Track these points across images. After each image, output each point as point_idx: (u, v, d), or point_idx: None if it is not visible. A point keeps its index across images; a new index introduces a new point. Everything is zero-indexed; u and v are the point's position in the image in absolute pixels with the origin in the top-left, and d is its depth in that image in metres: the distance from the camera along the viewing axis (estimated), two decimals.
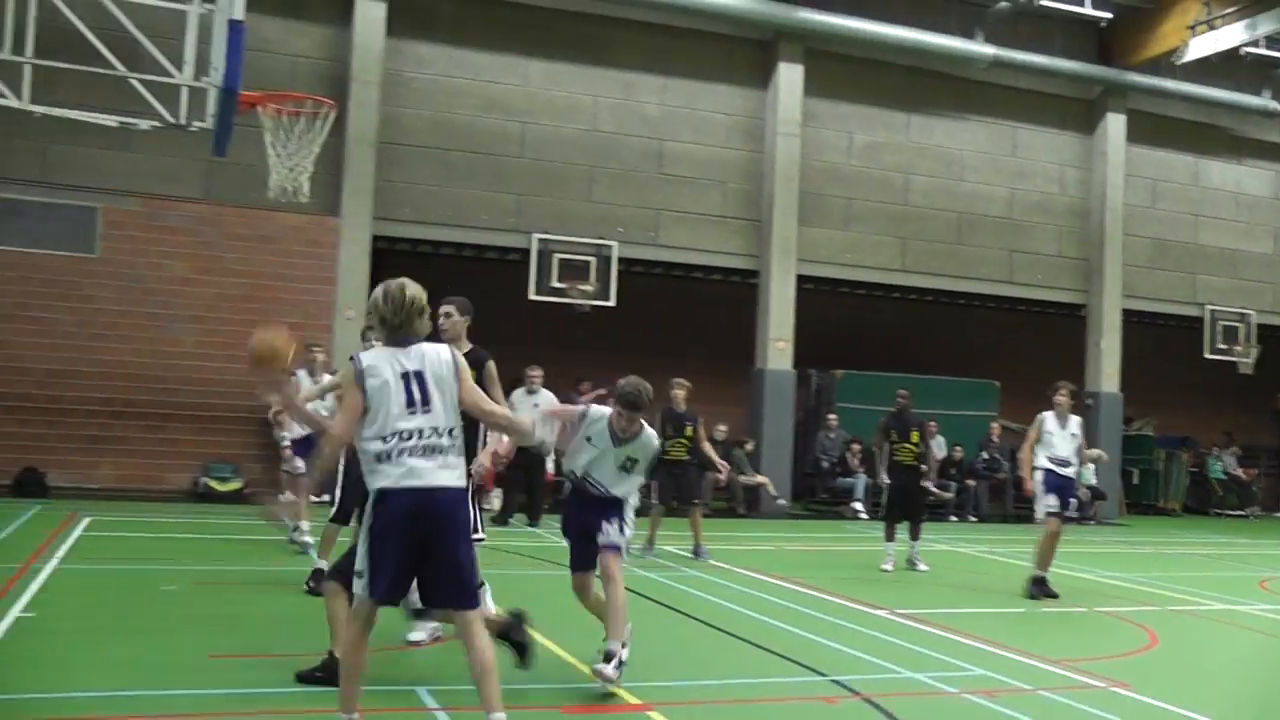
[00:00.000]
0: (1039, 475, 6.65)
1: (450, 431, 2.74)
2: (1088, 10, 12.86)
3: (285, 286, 10.24)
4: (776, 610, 5.80)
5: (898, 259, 12.61)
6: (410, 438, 2.69)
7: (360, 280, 10.36)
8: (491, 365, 3.97)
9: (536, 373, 9.27)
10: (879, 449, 7.97)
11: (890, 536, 7.65)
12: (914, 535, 7.79)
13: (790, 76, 11.93)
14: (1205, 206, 14.52)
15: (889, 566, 7.56)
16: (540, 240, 10.99)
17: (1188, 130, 14.30)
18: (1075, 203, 13.59)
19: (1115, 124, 13.54)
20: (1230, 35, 12.07)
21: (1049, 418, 6.74)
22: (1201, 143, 14.45)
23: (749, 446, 11.67)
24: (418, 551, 2.72)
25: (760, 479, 11.50)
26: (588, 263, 11.06)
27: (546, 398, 8.95)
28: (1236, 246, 14.71)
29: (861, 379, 12.35)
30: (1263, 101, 14.01)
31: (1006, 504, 12.76)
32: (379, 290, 2.98)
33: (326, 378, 6.36)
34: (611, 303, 11.06)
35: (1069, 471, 6.69)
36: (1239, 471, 15.09)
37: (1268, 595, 7.39)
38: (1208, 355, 14.12)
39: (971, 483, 12.48)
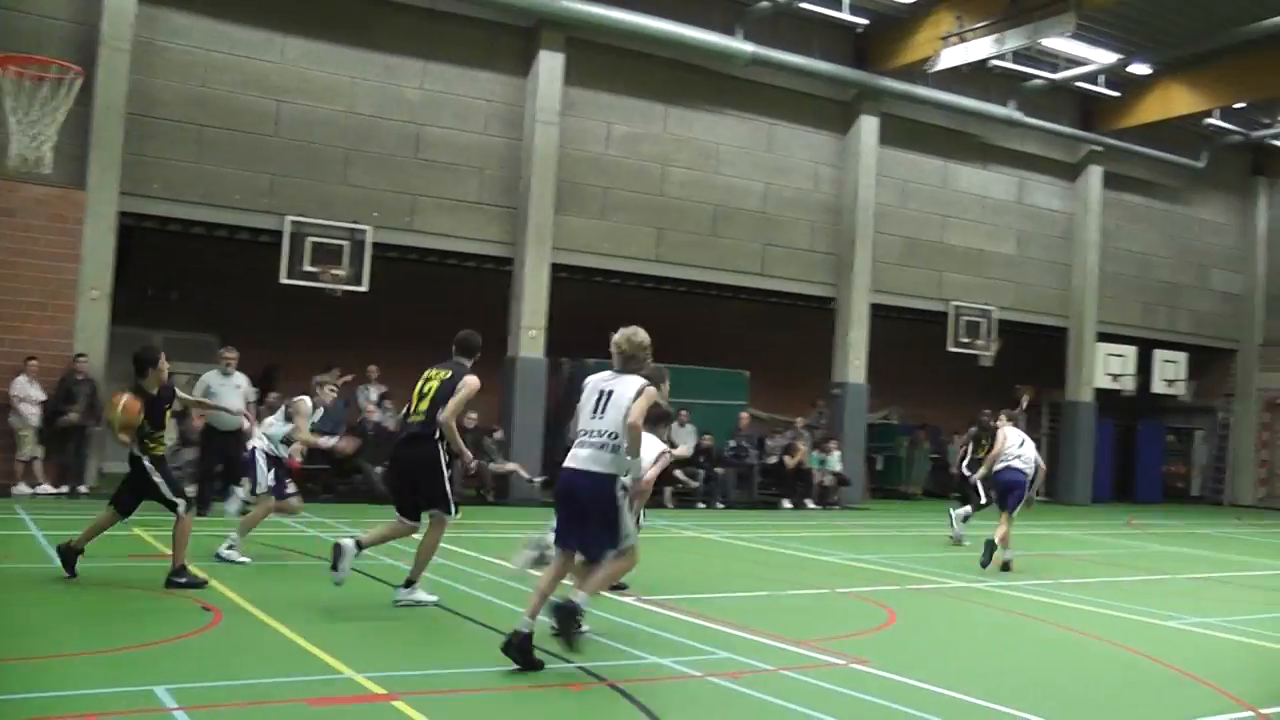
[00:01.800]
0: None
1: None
2: (845, 15, 19.23)
3: (27, 263, 13.54)
4: (523, 598, 6.84)
5: (653, 249, 18.46)
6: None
7: (105, 259, 13.83)
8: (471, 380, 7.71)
9: (231, 354, 12.42)
10: None
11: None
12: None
13: (551, 65, 17.10)
14: (953, 208, 21.84)
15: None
16: (294, 223, 14.97)
17: (938, 135, 21.47)
18: (829, 200, 20.24)
19: (869, 126, 20.28)
20: (980, 48, 18.36)
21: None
22: (951, 148, 21.69)
23: (498, 434, 16.33)
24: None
25: (511, 466, 16.20)
26: (342, 247, 15.34)
27: (241, 379, 12.34)
28: (982, 247, 22.21)
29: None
30: (1008, 111, 21.40)
31: (753, 490, 19.05)
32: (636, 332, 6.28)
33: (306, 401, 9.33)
34: (364, 288, 15.37)
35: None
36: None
37: (1000, 573, 10.80)
38: (951, 348, 21.38)
39: (720, 470, 18.43)
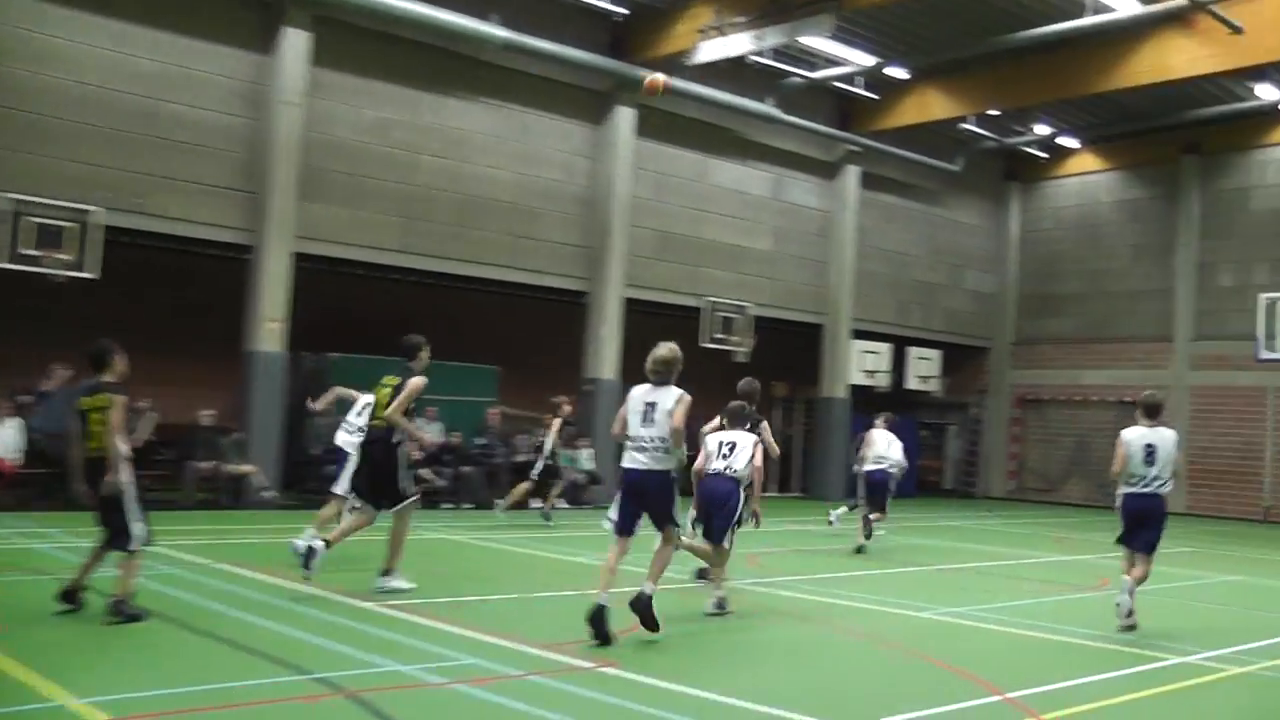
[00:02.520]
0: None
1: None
2: (604, 3, 21.76)
3: None
4: (259, 607, 7.88)
5: (401, 239, 20.44)
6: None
7: None
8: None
9: None
10: None
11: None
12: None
13: (296, 43, 18.55)
14: (710, 203, 24.99)
15: None
16: (13, 200, 15.41)
17: (696, 129, 24.55)
18: (583, 192, 22.91)
19: (625, 117, 23.07)
20: (738, 43, 20.69)
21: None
22: (709, 142, 24.81)
23: (236, 435, 17.15)
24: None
25: (247, 468, 17.05)
26: (66, 229, 15.60)
27: None
28: (738, 242, 25.49)
29: (357, 362, 17.40)
30: (766, 108, 24.65)
31: (502, 490, 20.99)
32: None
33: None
34: (93, 274, 15.92)
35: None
36: None
37: (753, 570, 11.79)
38: (705, 344, 24.43)
39: (468, 469, 20.20)
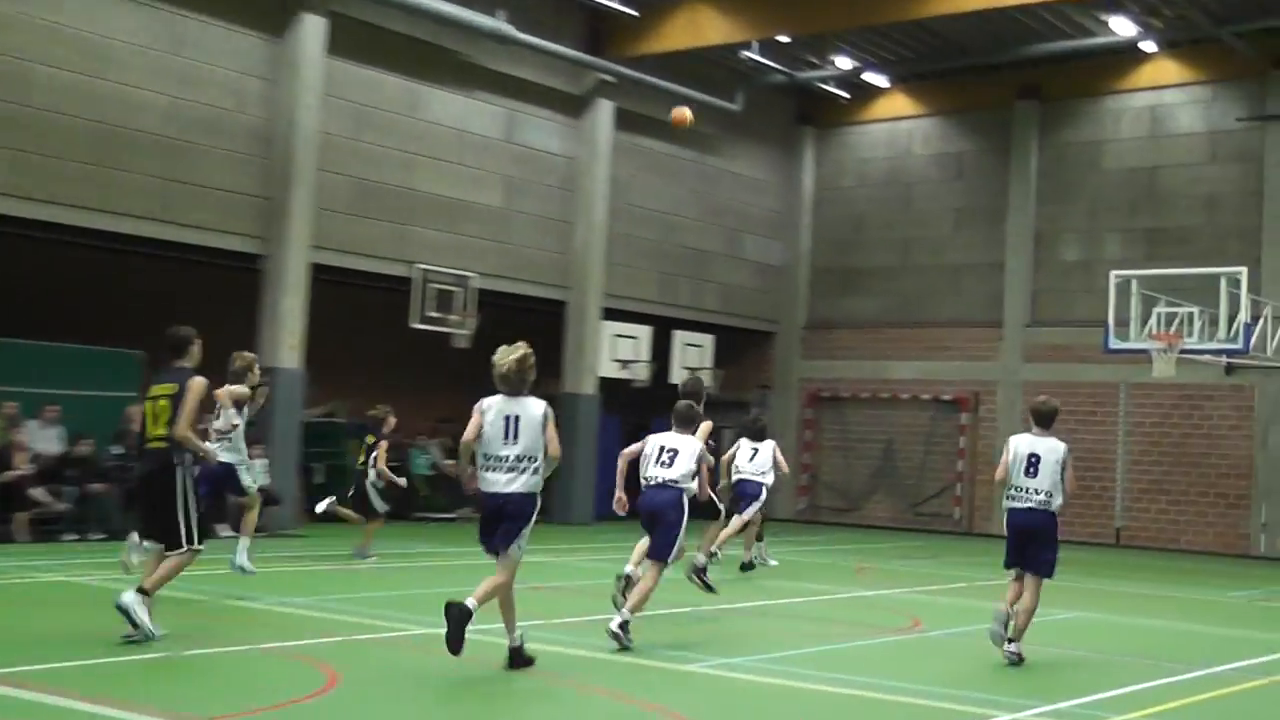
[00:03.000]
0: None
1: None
2: None
3: None
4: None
5: (10, 180, 19.96)
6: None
7: None
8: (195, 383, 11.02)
9: None
10: None
11: None
12: None
13: None
14: (424, 144, 25.56)
15: None
16: None
17: (405, 47, 25.05)
18: (258, 124, 23.08)
19: (313, 28, 23.35)
20: None
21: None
22: (422, 65, 25.36)
23: None
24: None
25: None
26: None
27: None
28: (460, 196, 26.15)
29: None
30: (496, 24, 25.29)
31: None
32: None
33: None
34: None
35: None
36: (449, 465, 26.11)
37: (483, 614, 10.45)
38: (416, 325, 24.88)
39: (98, 487, 19.61)
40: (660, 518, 11.88)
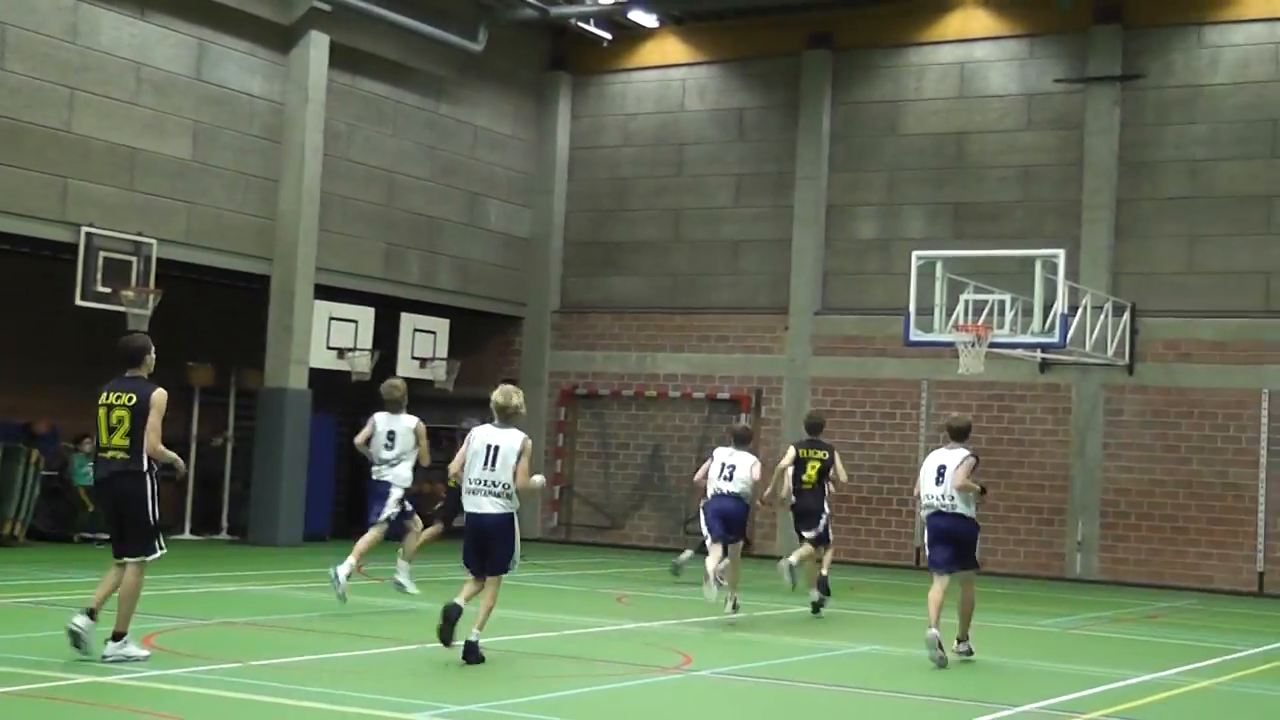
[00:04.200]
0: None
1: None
2: None
3: None
4: None
5: None
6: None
7: None
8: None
9: None
10: None
11: None
12: None
13: None
14: (90, 79, 24.62)
15: None
16: None
17: None
18: None
19: None
20: None
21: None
22: None
23: None
24: None
25: None
26: None
27: None
28: (137, 144, 25.31)
29: None
30: None
31: None
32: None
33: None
34: None
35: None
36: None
37: (155, 655, 12.54)
38: (82, 302, 23.92)
39: None
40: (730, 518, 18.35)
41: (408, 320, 29.89)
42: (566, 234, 33.78)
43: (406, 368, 29.46)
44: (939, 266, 24.11)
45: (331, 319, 28.29)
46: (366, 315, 28.87)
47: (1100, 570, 27.94)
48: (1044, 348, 25.41)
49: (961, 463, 15.08)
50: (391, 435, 17.88)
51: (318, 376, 28.17)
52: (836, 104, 31.47)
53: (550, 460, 32.82)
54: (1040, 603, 23.40)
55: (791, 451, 19.70)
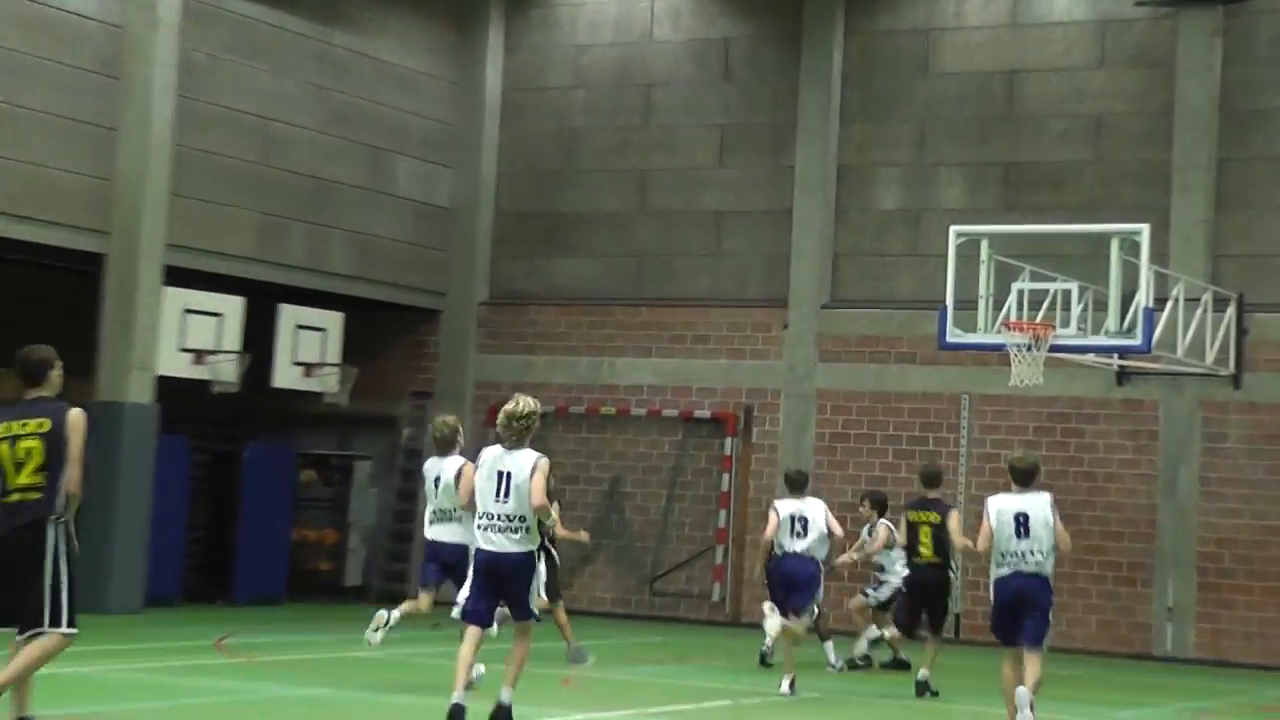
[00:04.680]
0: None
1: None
2: None
3: None
4: None
5: None
6: None
7: None
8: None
9: None
10: None
11: None
12: None
13: None
14: None
15: None
16: None
17: None
18: None
19: None
20: None
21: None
22: None
23: None
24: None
25: None
26: None
27: None
28: None
29: None
30: None
31: None
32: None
33: None
34: None
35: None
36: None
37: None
38: None
39: None
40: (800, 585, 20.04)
41: (289, 314, 29.49)
42: (499, 203, 33.49)
43: (288, 376, 29.30)
44: (984, 246, 23.48)
45: (187, 312, 27.72)
46: (234, 307, 28.27)
47: (1197, 646, 27.52)
48: (1122, 352, 25.03)
49: (1053, 511, 16.02)
50: (437, 482, 19.07)
51: (168, 388, 27.67)
52: (850, 34, 31.32)
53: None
54: (1119, 688, 23.35)
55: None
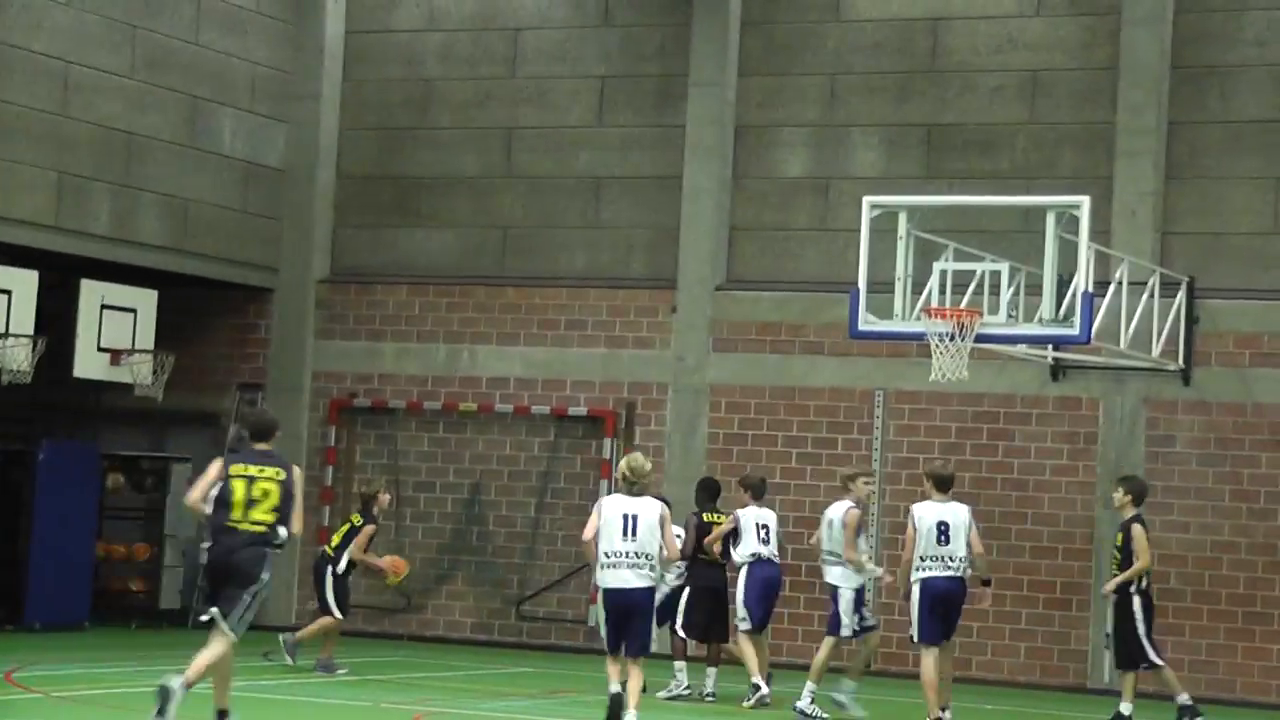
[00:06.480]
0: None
1: None
2: None
3: None
4: None
5: None
6: None
7: None
8: None
9: None
10: None
11: None
12: None
13: None
14: None
15: None
16: None
17: None
18: None
19: None
20: None
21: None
22: None
23: None
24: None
25: None
26: None
27: None
28: None
29: None
30: None
31: None
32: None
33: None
34: None
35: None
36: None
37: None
38: None
39: None
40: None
41: (92, 291, 29.10)
42: (340, 164, 33.31)
43: (91, 364, 29.10)
44: (902, 220, 23.56)
45: None
46: (25, 282, 27.83)
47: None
48: (1058, 343, 25.26)
49: (971, 523, 19.99)
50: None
51: None
52: None
53: (315, 507, 31.81)
54: None
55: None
